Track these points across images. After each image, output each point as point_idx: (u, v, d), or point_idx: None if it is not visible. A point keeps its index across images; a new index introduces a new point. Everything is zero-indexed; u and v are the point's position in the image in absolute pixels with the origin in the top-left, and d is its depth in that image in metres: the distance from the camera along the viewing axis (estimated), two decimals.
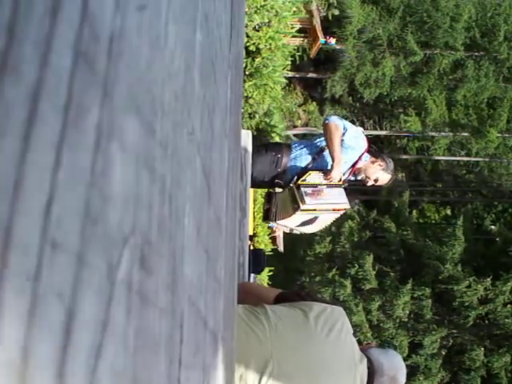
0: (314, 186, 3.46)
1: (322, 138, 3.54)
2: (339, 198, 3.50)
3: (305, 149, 3.61)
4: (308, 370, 1.72)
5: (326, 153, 3.52)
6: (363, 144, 3.55)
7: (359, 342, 1.94)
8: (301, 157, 3.61)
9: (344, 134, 3.41)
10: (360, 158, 3.59)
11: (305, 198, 3.43)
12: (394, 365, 1.91)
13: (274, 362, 1.69)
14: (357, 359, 1.81)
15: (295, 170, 3.60)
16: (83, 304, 0.29)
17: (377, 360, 1.88)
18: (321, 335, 1.78)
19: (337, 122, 3.39)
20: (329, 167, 3.50)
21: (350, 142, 3.47)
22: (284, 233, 8.66)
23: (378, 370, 1.85)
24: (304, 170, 3.55)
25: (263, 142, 3.58)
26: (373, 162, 3.65)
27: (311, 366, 1.72)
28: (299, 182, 3.49)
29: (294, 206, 3.49)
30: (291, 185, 3.53)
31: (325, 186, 3.45)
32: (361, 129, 3.65)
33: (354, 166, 3.61)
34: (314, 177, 3.51)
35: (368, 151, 3.65)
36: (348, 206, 3.59)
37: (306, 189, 3.46)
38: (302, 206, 3.44)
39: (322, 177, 3.49)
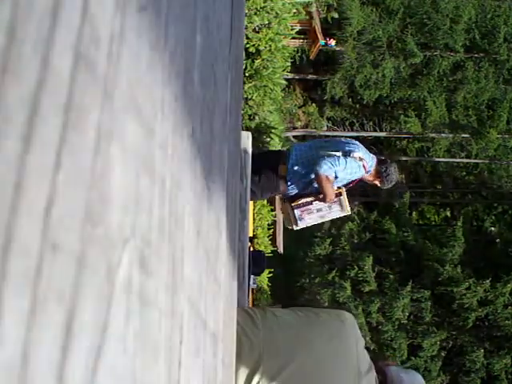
0: (309, 203, 3.55)
1: (313, 176, 3.55)
2: (337, 210, 3.63)
3: (296, 183, 3.65)
4: (303, 375, 1.68)
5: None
6: (360, 174, 3.58)
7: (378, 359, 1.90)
8: (292, 189, 3.69)
9: (336, 178, 3.46)
10: (359, 179, 3.65)
11: (298, 220, 3.63)
12: (414, 381, 1.85)
13: (264, 366, 1.66)
14: (362, 370, 1.74)
15: (290, 197, 3.72)
16: (83, 305, 0.29)
17: (396, 375, 1.82)
18: (321, 342, 1.74)
19: (327, 173, 3.38)
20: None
21: (344, 178, 3.53)
22: (284, 234, 8.67)
23: (398, 382, 1.80)
24: (295, 196, 3.68)
25: (259, 165, 3.41)
26: (373, 180, 3.73)
27: (306, 373, 1.68)
28: (293, 204, 3.64)
29: (291, 223, 3.71)
30: (287, 204, 3.69)
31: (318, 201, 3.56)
32: (358, 159, 3.54)
33: (353, 181, 3.68)
34: (307, 198, 3.63)
35: (377, 162, 3.68)
36: (348, 213, 3.67)
37: (300, 209, 3.62)
38: (296, 228, 3.69)
39: (315, 197, 3.61)
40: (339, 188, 3.61)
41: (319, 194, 3.54)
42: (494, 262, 12.41)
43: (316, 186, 3.56)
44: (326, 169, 3.37)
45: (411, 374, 1.90)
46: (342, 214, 3.72)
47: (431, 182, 16.28)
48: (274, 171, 3.64)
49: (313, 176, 3.52)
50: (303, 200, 3.62)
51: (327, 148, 3.58)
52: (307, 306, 1.93)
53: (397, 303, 11.78)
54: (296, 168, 3.60)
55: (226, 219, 1.24)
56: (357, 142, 3.71)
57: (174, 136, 0.53)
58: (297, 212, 3.62)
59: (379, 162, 3.68)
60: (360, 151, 3.57)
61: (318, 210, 3.62)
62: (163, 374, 0.51)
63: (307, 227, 3.89)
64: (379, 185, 3.75)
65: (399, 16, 13.23)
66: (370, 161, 3.62)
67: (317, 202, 3.57)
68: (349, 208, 3.68)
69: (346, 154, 3.48)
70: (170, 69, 0.52)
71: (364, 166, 3.54)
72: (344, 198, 3.62)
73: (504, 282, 11.49)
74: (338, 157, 3.45)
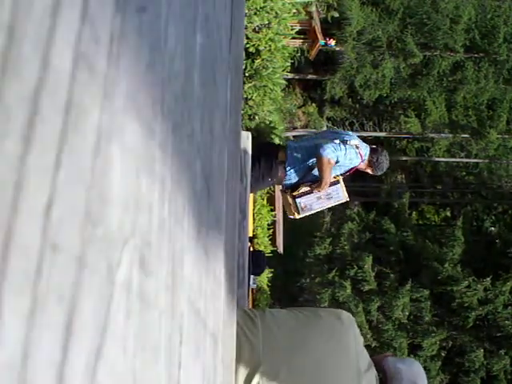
0: (309, 192, 3.67)
1: (313, 160, 3.66)
2: (336, 197, 3.78)
3: (295, 169, 3.78)
4: (302, 374, 1.67)
5: (315, 170, 3.71)
6: (357, 161, 3.72)
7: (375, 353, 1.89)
8: (291, 176, 3.80)
9: (337, 162, 3.60)
10: (355, 167, 3.78)
11: (299, 209, 3.78)
12: (414, 371, 1.83)
13: (263, 366, 1.66)
14: (362, 368, 1.73)
15: (288, 185, 3.86)
16: (83, 305, 0.29)
17: (394, 367, 1.81)
18: (320, 341, 1.74)
19: (330, 156, 3.52)
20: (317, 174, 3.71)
21: (343, 163, 3.67)
22: (284, 234, 8.67)
23: (397, 375, 1.78)
24: (295, 185, 3.81)
25: (258, 153, 3.58)
26: (365, 168, 3.90)
27: (306, 371, 1.67)
28: (293, 193, 3.79)
29: (293, 212, 3.84)
30: (287, 193, 3.82)
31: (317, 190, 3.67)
32: (355, 146, 3.70)
33: (349, 171, 3.81)
34: (307, 187, 3.78)
35: (370, 150, 3.83)
36: (346, 199, 3.80)
37: (300, 199, 3.78)
38: (298, 216, 3.82)
39: (312, 187, 3.75)
40: (336, 176, 3.75)
41: (316, 182, 3.68)
42: (493, 262, 12.40)
43: (314, 173, 3.70)
44: (329, 152, 3.51)
45: (408, 363, 1.88)
46: (341, 201, 3.88)
47: (431, 181, 16.28)
48: (274, 156, 3.79)
49: (311, 161, 3.66)
50: (303, 189, 3.76)
51: (325, 137, 3.75)
52: (306, 306, 1.92)
53: (396, 302, 11.78)
54: (295, 154, 3.75)
55: (225, 219, 1.24)
56: (350, 133, 3.94)
57: (173, 136, 0.53)
58: (298, 201, 3.76)
59: (371, 151, 3.83)
60: (356, 140, 3.75)
61: (318, 198, 3.78)
62: (163, 374, 0.51)
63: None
64: (371, 172, 3.93)
65: (399, 16, 13.22)
66: (365, 149, 3.78)
67: (315, 190, 3.72)
68: (346, 195, 3.85)
69: (344, 142, 3.65)
70: (170, 69, 0.52)
71: (360, 154, 3.70)
72: (341, 185, 3.81)
73: (503, 281, 11.49)
74: (339, 143, 3.61)
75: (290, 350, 1.71)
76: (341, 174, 3.81)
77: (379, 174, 3.94)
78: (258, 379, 1.65)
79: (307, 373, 1.67)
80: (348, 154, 3.59)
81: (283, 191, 3.97)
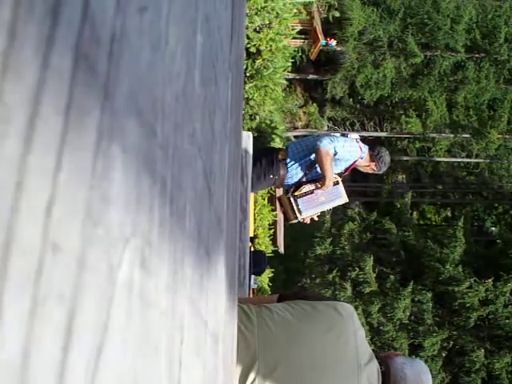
0: (311, 192, 3.69)
1: (313, 155, 3.71)
2: (336, 198, 3.81)
3: (296, 164, 3.80)
4: (299, 369, 1.65)
5: (317, 167, 3.74)
6: (357, 154, 3.76)
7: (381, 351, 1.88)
8: (293, 172, 3.82)
9: (336, 154, 3.63)
10: (355, 162, 3.81)
11: (301, 208, 3.80)
12: (419, 375, 1.82)
13: (260, 362, 1.65)
14: (363, 361, 1.71)
15: (291, 184, 3.87)
16: (84, 305, 0.29)
17: (400, 370, 1.78)
18: (317, 335, 1.72)
19: (327, 148, 3.57)
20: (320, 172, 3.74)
21: (343, 156, 3.71)
22: (284, 234, 8.67)
23: (402, 381, 1.77)
24: (298, 183, 3.83)
25: (258, 154, 3.69)
26: (367, 166, 3.92)
27: (303, 366, 1.66)
28: (295, 193, 3.81)
29: (294, 215, 3.85)
30: (289, 195, 3.83)
31: (320, 190, 3.68)
32: (355, 140, 3.78)
33: (349, 168, 3.80)
34: (309, 186, 3.80)
35: (369, 148, 3.87)
36: (346, 200, 3.83)
37: (302, 198, 3.80)
38: (300, 217, 3.82)
39: (315, 185, 3.77)
40: (336, 177, 3.76)
41: (318, 181, 3.70)
42: (494, 262, 12.40)
43: (316, 169, 3.71)
44: (326, 143, 3.57)
45: (415, 366, 1.84)
46: (341, 202, 3.90)
47: (432, 182, 16.29)
48: (275, 155, 3.82)
49: (312, 156, 3.69)
50: (305, 189, 3.78)
51: (324, 134, 3.84)
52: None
53: (398, 304, 11.77)
54: (296, 149, 3.79)
55: (226, 219, 1.24)
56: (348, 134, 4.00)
57: (174, 136, 0.53)
58: (300, 201, 3.78)
59: (370, 148, 3.88)
60: (356, 136, 3.84)
61: (320, 199, 3.79)
62: (164, 374, 0.51)
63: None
64: (375, 169, 3.94)
65: (400, 16, 13.23)
66: (364, 147, 3.82)
67: (318, 190, 3.74)
68: (346, 196, 3.87)
69: (343, 135, 3.77)
70: (171, 69, 0.52)
71: (360, 148, 3.75)
72: (341, 186, 3.83)
73: (504, 282, 11.48)
74: (337, 137, 3.70)
75: (286, 345, 1.69)
76: (340, 173, 3.83)
77: (383, 170, 3.95)
78: (253, 376, 1.63)
79: (305, 367, 1.66)
80: (347, 145, 3.65)
81: (283, 195, 3.96)
